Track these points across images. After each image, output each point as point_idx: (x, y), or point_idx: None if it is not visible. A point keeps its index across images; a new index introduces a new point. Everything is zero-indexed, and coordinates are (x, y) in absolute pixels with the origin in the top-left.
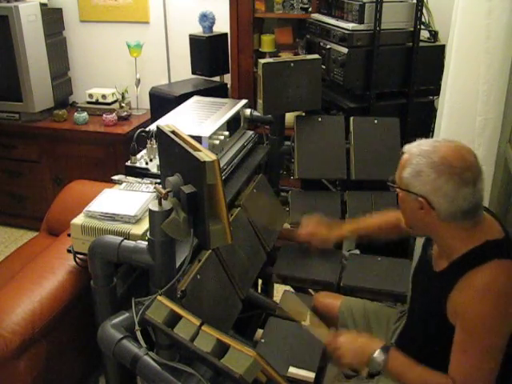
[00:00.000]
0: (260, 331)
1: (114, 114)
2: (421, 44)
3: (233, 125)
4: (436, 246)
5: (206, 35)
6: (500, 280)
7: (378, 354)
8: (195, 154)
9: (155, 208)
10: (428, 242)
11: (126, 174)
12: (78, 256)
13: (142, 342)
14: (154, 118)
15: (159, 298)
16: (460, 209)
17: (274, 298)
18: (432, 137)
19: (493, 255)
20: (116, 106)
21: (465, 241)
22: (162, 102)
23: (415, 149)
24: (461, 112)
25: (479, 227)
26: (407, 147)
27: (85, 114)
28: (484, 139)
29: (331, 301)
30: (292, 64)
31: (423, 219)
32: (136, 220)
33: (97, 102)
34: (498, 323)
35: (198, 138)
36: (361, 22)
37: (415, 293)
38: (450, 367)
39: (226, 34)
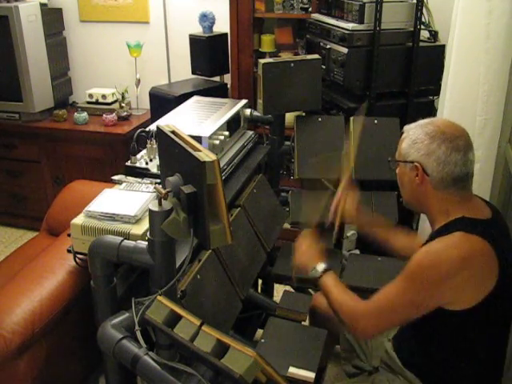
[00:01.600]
0: (260, 331)
1: (114, 113)
2: (421, 44)
3: (233, 125)
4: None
5: (206, 35)
6: (455, 247)
7: (319, 265)
8: (195, 153)
9: (155, 208)
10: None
11: (126, 174)
12: (78, 256)
13: (142, 342)
14: (154, 118)
15: (159, 298)
16: (451, 174)
17: (274, 298)
18: None
19: (460, 228)
20: (116, 106)
21: (445, 216)
22: (162, 102)
23: (413, 125)
24: (461, 112)
25: (464, 204)
26: (406, 127)
27: (85, 114)
28: (484, 139)
29: None
30: (292, 64)
31: (419, 189)
32: (136, 220)
33: (97, 102)
34: (431, 276)
35: (198, 138)
36: (361, 22)
37: None
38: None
39: (226, 34)
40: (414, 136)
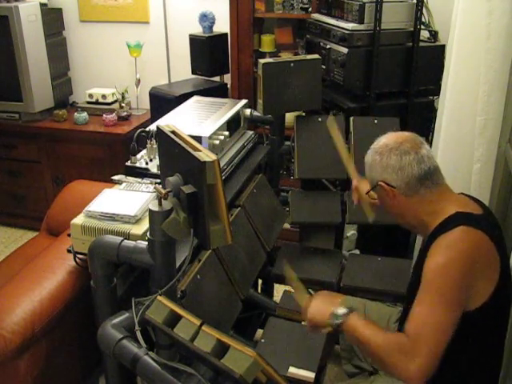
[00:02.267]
0: (260, 331)
1: (114, 113)
2: (421, 44)
3: (233, 125)
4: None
5: (206, 35)
6: (462, 241)
7: (339, 309)
8: (195, 153)
9: (155, 208)
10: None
11: (126, 174)
12: (78, 256)
13: (142, 342)
14: (153, 118)
15: (159, 298)
16: (412, 176)
17: (274, 298)
18: (432, 137)
19: (460, 222)
20: (116, 106)
21: (437, 214)
22: (162, 102)
23: (368, 151)
24: (461, 112)
25: (450, 201)
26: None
27: (85, 114)
28: (484, 139)
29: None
30: (292, 64)
31: (396, 205)
32: (136, 220)
33: (97, 102)
34: (453, 277)
35: (198, 138)
36: (361, 22)
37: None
38: (406, 322)
39: (226, 34)
40: (369, 161)
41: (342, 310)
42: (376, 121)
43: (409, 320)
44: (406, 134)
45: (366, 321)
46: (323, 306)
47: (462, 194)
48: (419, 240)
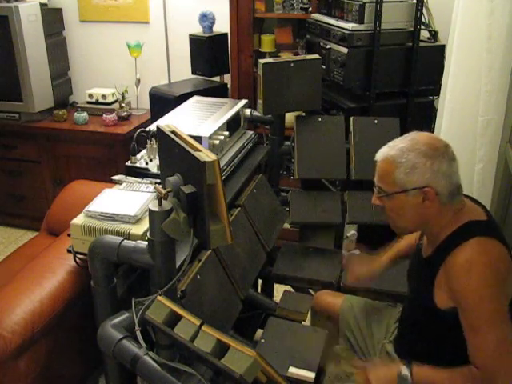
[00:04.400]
0: (260, 331)
1: (114, 113)
2: (421, 44)
3: (233, 125)
4: (425, 236)
5: (206, 35)
6: (480, 255)
7: (403, 370)
8: (195, 154)
9: (155, 208)
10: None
11: (126, 174)
12: (78, 256)
13: (142, 342)
14: (154, 118)
15: (159, 298)
16: (456, 183)
17: (274, 298)
18: None
19: (473, 233)
20: (116, 106)
21: (450, 225)
22: (162, 102)
23: (393, 151)
24: (462, 112)
25: (462, 210)
26: (380, 155)
27: (85, 114)
28: (486, 139)
29: (332, 299)
30: (292, 64)
31: (425, 211)
32: (136, 220)
33: (97, 102)
34: (491, 291)
35: (198, 138)
36: (361, 22)
37: (409, 284)
38: (469, 355)
39: (225, 34)
40: (411, 163)
41: (405, 370)
42: (376, 121)
43: (474, 353)
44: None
45: (427, 367)
46: (383, 374)
47: (464, 196)
48: None
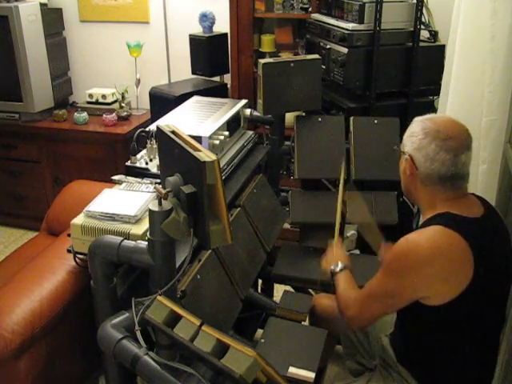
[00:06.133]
0: (260, 331)
1: (114, 113)
2: (421, 44)
3: (233, 125)
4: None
5: (206, 35)
6: (430, 239)
7: (339, 265)
8: (195, 154)
9: (155, 208)
10: None
11: (126, 174)
12: (78, 256)
13: (142, 342)
14: (154, 118)
15: (159, 298)
16: (437, 172)
17: (274, 298)
18: None
19: (441, 222)
20: (116, 106)
21: (434, 209)
22: (162, 102)
23: (420, 118)
24: (465, 114)
25: (453, 201)
26: (416, 118)
27: (85, 114)
28: (490, 140)
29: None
30: (292, 64)
31: (409, 180)
32: (136, 220)
33: (97, 102)
34: (398, 266)
35: (198, 138)
36: (361, 22)
37: None
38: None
39: (225, 34)
40: (413, 129)
41: (340, 265)
42: (376, 121)
43: (366, 284)
44: (463, 128)
45: (350, 278)
46: (334, 257)
47: (473, 194)
48: None
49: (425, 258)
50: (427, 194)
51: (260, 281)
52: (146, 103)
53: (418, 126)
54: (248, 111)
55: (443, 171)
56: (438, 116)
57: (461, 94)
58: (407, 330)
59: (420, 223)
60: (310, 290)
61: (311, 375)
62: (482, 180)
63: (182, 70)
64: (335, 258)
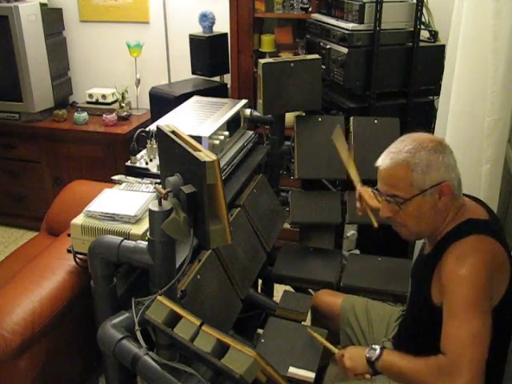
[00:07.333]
0: (260, 331)
1: (114, 113)
2: (421, 44)
3: (233, 125)
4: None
5: (206, 35)
6: (474, 251)
7: (374, 346)
8: (195, 154)
9: (155, 208)
10: None
11: (126, 174)
12: (78, 256)
13: (142, 342)
14: (154, 118)
15: (159, 298)
16: (459, 175)
17: (274, 298)
18: None
19: (471, 231)
20: (116, 106)
21: (450, 222)
22: (162, 102)
23: (402, 155)
24: (468, 114)
25: (463, 209)
26: (386, 162)
27: (85, 114)
28: (493, 140)
29: (332, 299)
30: (292, 64)
31: (442, 209)
32: (136, 220)
33: (97, 102)
34: (478, 286)
35: (198, 138)
36: (361, 22)
37: (411, 281)
38: (441, 341)
39: (225, 34)
40: (424, 162)
41: (375, 348)
42: (376, 121)
43: (444, 338)
44: (423, 136)
45: (400, 352)
46: (356, 350)
47: (466, 195)
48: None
49: (487, 267)
50: (454, 206)
51: (260, 281)
52: (146, 103)
53: (424, 154)
54: (248, 111)
55: (458, 171)
56: (414, 138)
57: (464, 94)
58: (416, 338)
59: (439, 238)
60: (310, 290)
61: (311, 375)
62: (485, 180)
63: (182, 70)
64: (360, 351)
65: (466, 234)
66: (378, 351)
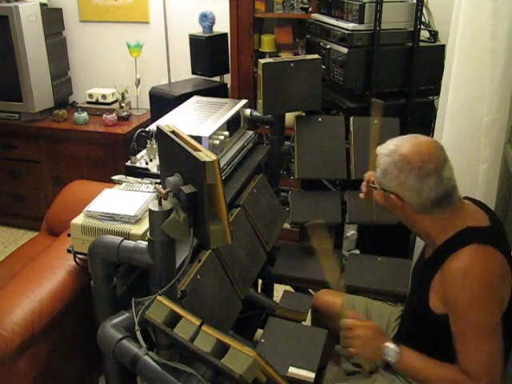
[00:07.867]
0: (260, 331)
1: (114, 113)
2: (421, 44)
3: (233, 125)
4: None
5: (206, 35)
6: (476, 264)
7: (391, 348)
8: (195, 154)
9: (155, 208)
10: None
11: (126, 174)
12: (78, 256)
13: (142, 342)
14: (154, 118)
15: (159, 298)
16: (429, 199)
17: (274, 298)
18: (432, 137)
19: (471, 240)
20: (116, 106)
21: (446, 229)
22: (162, 102)
23: (383, 150)
24: (466, 113)
25: (460, 215)
26: (378, 148)
27: (85, 114)
28: (491, 139)
29: (332, 299)
30: (292, 64)
31: (403, 213)
32: (136, 220)
33: (97, 102)
34: (482, 302)
35: (198, 138)
36: (361, 22)
37: (411, 281)
38: (458, 361)
39: (226, 34)
40: (384, 166)
41: (392, 347)
42: (376, 121)
43: (461, 359)
44: (431, 145)
45: (417, 353)
46: (370, 343)
47: (467, 198)
48: (419, 241)
49: (492, 280)
50: (428, 220)
51: (260, 281)
52: (146, 103)
53: (388, 161)
54: (248, 111)
55: (434, 196)
56: (402, 143)
57: (461, 94)
58: (416, 339)
59: (436, 246)
60: (310, 290)
61: (311, 375)
62: (482, 179)
63: (182, 70)
64: (374, 343)
65: (465, 244)
66: (395, 358)
